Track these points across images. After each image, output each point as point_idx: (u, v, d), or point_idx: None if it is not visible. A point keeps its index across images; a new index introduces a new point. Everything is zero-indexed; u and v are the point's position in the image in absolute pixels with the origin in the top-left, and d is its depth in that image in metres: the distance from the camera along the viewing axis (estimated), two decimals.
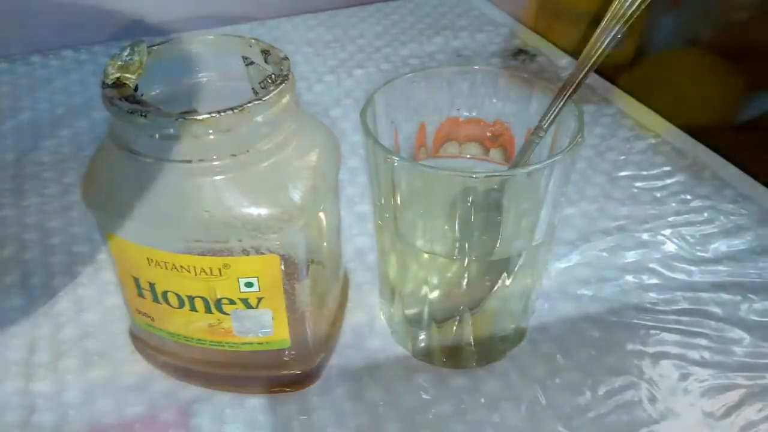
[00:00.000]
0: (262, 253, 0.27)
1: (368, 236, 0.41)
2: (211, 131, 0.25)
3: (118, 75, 0.26)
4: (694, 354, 0.34)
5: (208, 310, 0.29)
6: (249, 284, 0.28)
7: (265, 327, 0.30)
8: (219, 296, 0.28)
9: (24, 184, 0.45)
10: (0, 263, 0.39)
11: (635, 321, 0.36)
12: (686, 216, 0.42)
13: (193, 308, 0.29)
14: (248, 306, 0.29)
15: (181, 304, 0.29)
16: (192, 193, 0.26)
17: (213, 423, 0.31)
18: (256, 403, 0.32)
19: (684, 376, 0.33)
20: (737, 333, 0.35)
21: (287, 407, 0.32)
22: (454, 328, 0.33)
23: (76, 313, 0.36)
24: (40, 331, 0.35)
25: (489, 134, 0.33)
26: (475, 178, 0.27)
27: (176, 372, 0.33)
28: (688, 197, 0.44)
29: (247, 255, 0.27)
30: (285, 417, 0.31)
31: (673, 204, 0.43)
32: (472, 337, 0.33)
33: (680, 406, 0.32)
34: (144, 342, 0.33)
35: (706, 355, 0.34)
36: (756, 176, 0.45)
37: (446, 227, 0.30)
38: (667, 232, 0.41)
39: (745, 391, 0.32)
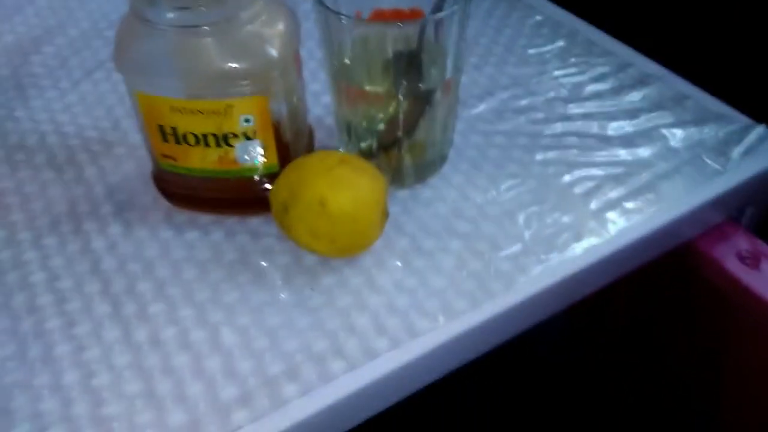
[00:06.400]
0: (255, 95, 0.38)
1: (323, 107, 0.52)
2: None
3: None
4: (569, 157, 0.48)
5: (218, 144, 0.40)
6: (247, 120, 0.39)
7: (260, 155, 0.41)
8: (225, 131, 0.39)
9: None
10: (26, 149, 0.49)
11: (525, 142, 0.49)
12: (564, 70, 0.56)
13: (206, 144, 0.40)
14: (247, 138, 0.40)
15: (197, 142, 0.40)
16: (196, 52, 0.37)
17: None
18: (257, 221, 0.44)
19: (561, 172, 0.47)
20: (599, 145, 0.49)
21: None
22: (397, 154, 0.45)
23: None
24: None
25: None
26: (401, 26, 0.39)
27: (193, 204, 0.44)
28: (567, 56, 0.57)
29: (243, 97, 0.38)
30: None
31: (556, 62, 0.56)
32: (410, 162, 0.45)
33: (555, 186, 0.46)
34: (167, 183, 0.44)
35: (578, 158, 0.48)
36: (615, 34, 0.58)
37: (384, 73, 0.42)
38: (551, 82, 0.54)
39: (602, 177, 0.47)
